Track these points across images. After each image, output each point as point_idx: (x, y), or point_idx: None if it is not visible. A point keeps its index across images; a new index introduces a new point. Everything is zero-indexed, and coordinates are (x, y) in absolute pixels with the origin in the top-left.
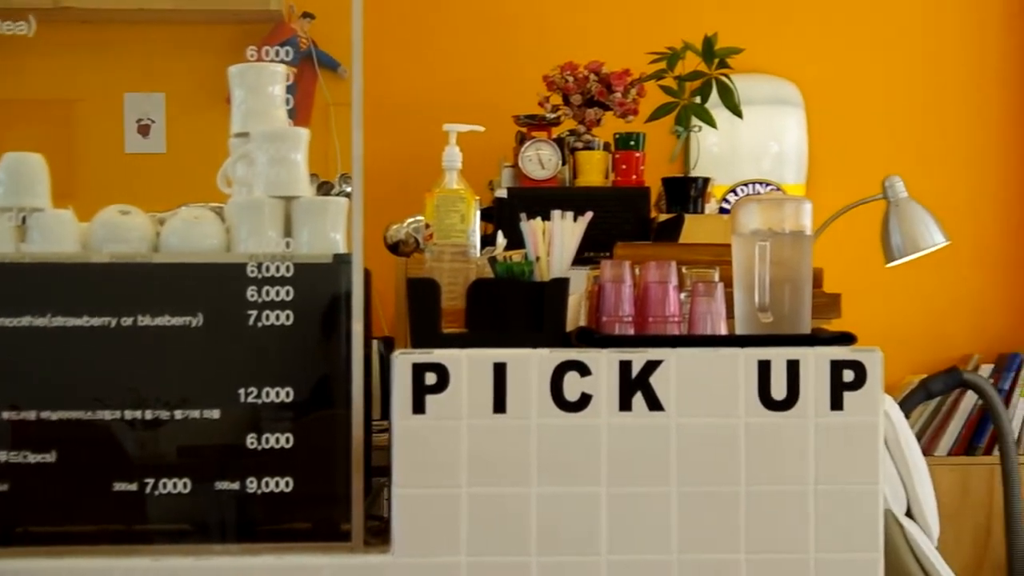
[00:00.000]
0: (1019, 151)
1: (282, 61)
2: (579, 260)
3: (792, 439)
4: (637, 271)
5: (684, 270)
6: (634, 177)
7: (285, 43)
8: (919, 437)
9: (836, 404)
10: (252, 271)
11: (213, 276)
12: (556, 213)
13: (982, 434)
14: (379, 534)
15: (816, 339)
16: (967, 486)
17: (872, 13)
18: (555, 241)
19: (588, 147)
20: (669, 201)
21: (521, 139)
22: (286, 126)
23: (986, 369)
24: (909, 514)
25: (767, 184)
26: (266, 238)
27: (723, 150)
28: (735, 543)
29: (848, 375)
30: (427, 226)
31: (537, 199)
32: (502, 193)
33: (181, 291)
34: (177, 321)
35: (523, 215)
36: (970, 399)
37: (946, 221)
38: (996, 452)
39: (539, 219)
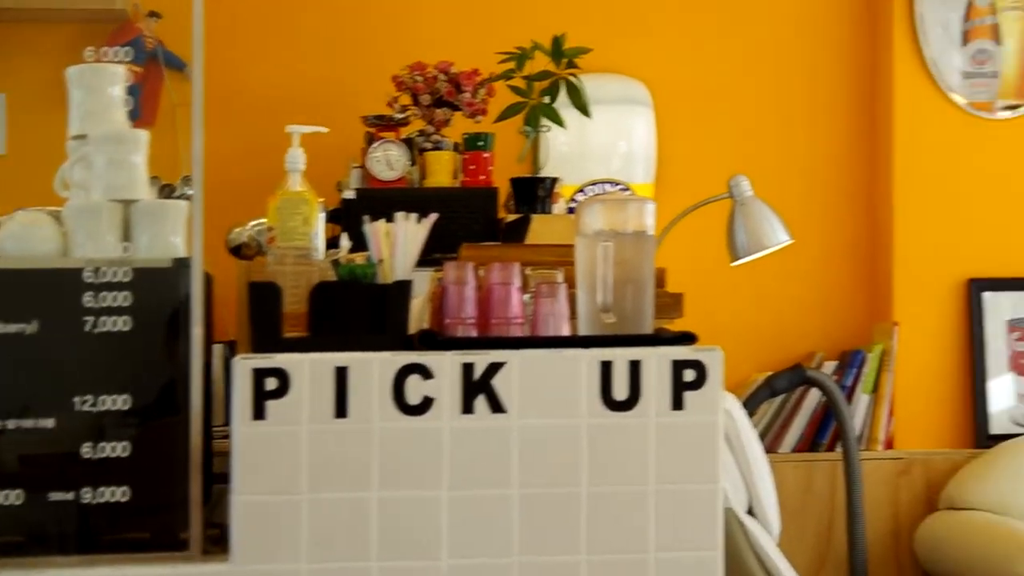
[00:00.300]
0: (861, 150)
1: (121, 61)
2: (428, 261)
3: (633, 439)
4: (481, 272)
5: (528, 271)
6: (483, 177)
7: (130, 43)
8: (764, 434)
9: (677, 404)
10: (89, 276)
11: (49, 282)
12: (400, 215)
13: (825, 431)
14: (220, 542)
15: (658, 339)
16: (811, 483)
17: (719, 14)
18: (398, 243)
19: (437, 147)
20: (517, 201)
21: (370, 140)
22: (125, 128)
23: (830, 366)
24: (751, 512)
25: (616, 183)
26: (104, 242)
27: (572, 150)
28: (576, 544)
29: (689, 375)
30: (270, 229)
31: (385, 200)
32: (350, 194)
33: (15, 297)
34: (11, 328)
35: (366, 217)
36: (814, 396)
37: (791, 220)
38: (839, 449)
39: (383, 221)
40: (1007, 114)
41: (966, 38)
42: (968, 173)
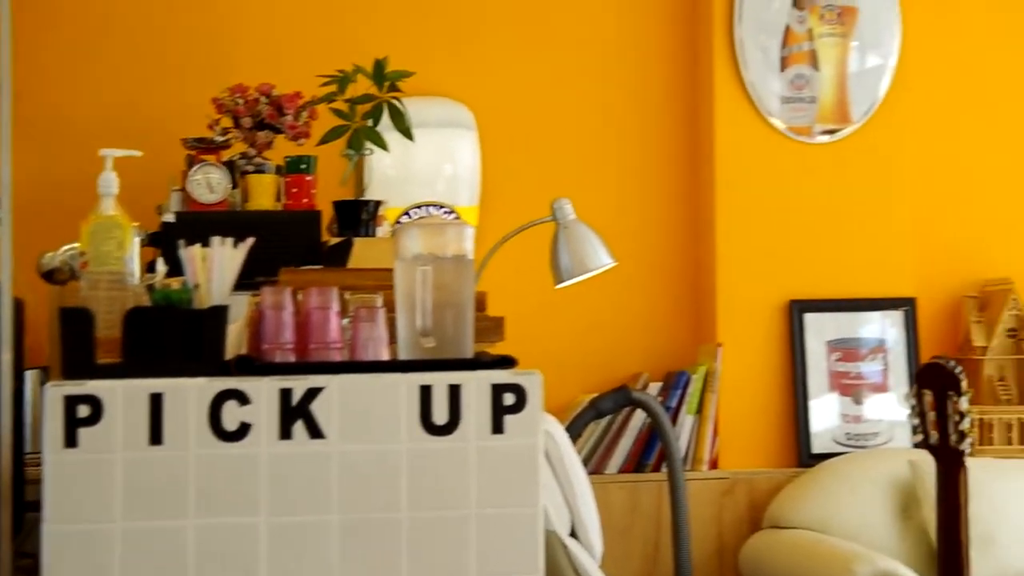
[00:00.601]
0: (683, 174)
1: None
2: (250, 286)
3: (454, 464)
4: (300, 297)
5: (347, 295)
6: (305, 201)
7: None
8: (590, 456)
9: (497, 427)
10: None
11: None
12: (216, 240)
13: (651, 451)
14: (33, 572)
15: (478, 363)
16: (637, 503)
17: (542, 37)
18: (214, 268)
19: (259, 170)
20: (340, 225)
21: (190, 163)
22: None
23: (655, 387)
24: (574, 534)
25: (441, 206)
26: None
27: (397, 172)
28: (397, 570)
29: (509, 398)
30: (82, 254)
31: (206, 223)
32: (170, 218)
33: None
34: None
35: (182, 242)
36: (639, 417)
37: (615, 242)
38: (665, 469)
39: (198, 246)
40: (825, 138)
41: (784, 64)
42: (788, 196)
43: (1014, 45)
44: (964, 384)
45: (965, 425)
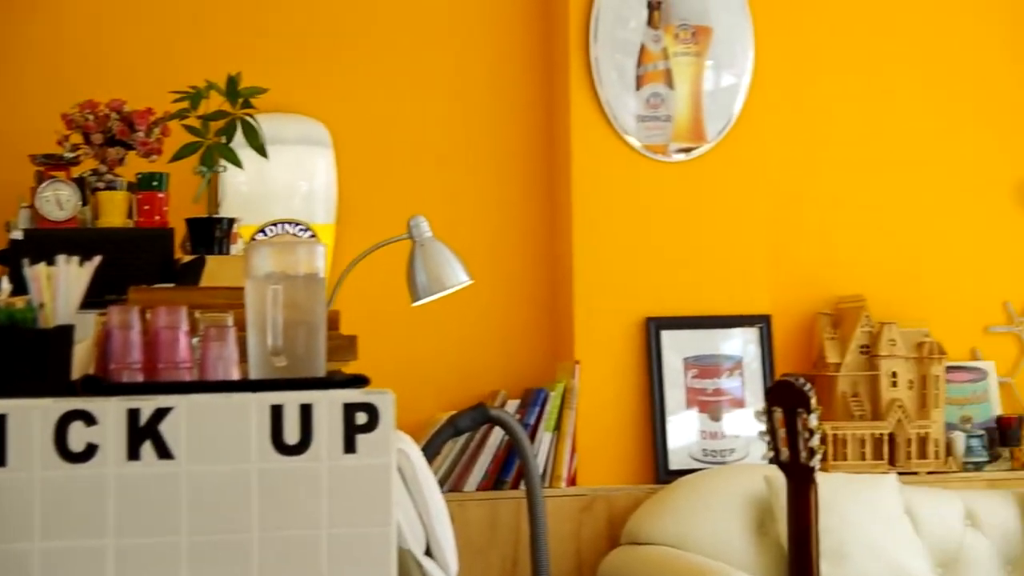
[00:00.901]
0: (540, 191)
1: None
2: (101, 304)
3: (305, 484)
4: (149, 316)
5: (197, 314)
6: (157, 218)
7: None
8: (448, 473)
9: (349, 447)
10: None
11: None
12: (61, 258)
13: (509, 469)
14: None
15: (330, 382)
16: (495, 520)
17: (398, 54)
18: (60, 287)
19: (110, 187)
20: (193, 242)
21: (39, 179)
22: None
23: (513, 405)
24: (429, 553)
25: (297, 224)
26: None
27: (253, 189)
28: None
29: (361, 418)
30: None
31: (56, 241)
32: (17, 235)
33: None
34: None
35: (26, 261)
36: (497, 434)
37: (472, 260)
38: (523, 486)
39: (43, 264)
40: (681, 156)
41: (640, 82)
42: (645, 214)
43: (864, 65)
44: (813, 401)
45: (815, 442)
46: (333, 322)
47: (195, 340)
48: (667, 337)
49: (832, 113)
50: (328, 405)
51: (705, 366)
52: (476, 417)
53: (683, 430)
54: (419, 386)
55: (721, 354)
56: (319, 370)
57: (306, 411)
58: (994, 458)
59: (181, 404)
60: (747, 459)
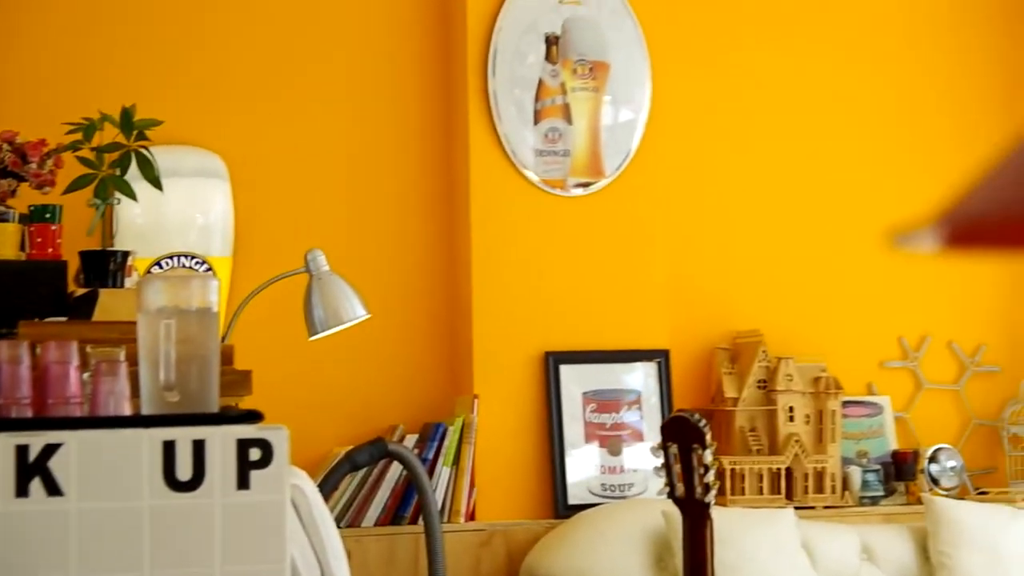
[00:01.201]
0: (439, 225)
1: None
2: None
3: (198, 521)
4: (39, 350)
5: (89, 349)
6: (50, 250)
7: None
8: (346, 508)
9: (243, 483)
10: None
11: None
12: None
13: (408, 504)
14: None
15: (223, 418)
16: (393, 555)
17: (294, 86)
18: None
19: (2, 219)
20: (87, 275)
21: None
22: None
23: (411, 439)
24: None
25: (192, 257)
26: None
27: (148, 222)
28: None
29: (255, 453)
30: None
31: None
32: None
33: None
34: None
35: None
36: (396, 469)
37: (371, 294)
38: (422, 521)
39: None
40: (579, 191)
41: (538, 117)
42: (544, 249)
43: (761, 102)
44: (708, 437)
45: (710, 477)
46: (227, 357)
47: (86, 375)
48: (566, 371)
49: (729, 149)
50: (221, 441)
51: (604, 400)
52: (374, 452)
53: (582, 465)
54: (317, 421)
55: (620, 388)
56: (212, 405)
57: (199, 447)
58: (890, 492)
59: (71, 440)
60: (646, 494)
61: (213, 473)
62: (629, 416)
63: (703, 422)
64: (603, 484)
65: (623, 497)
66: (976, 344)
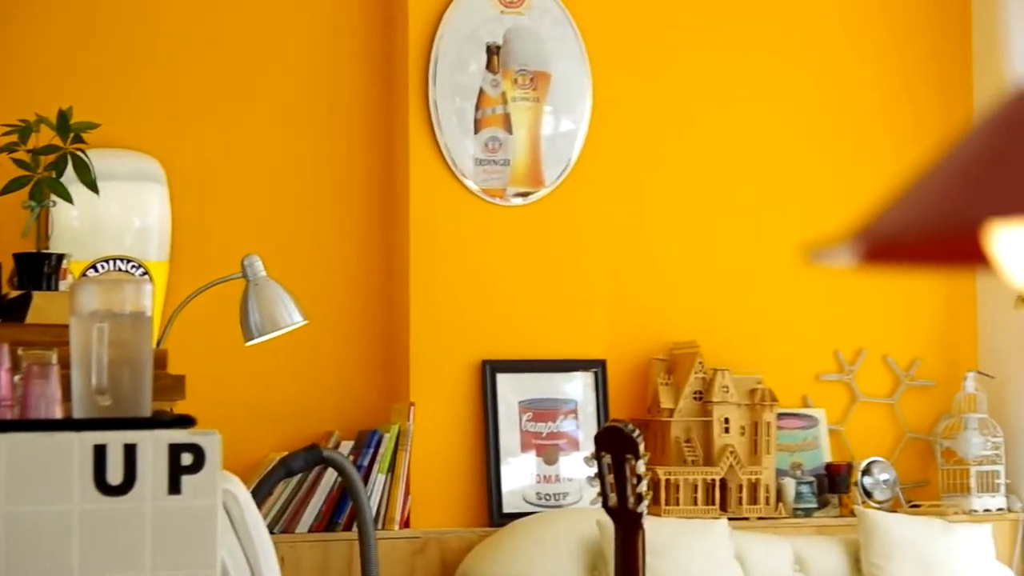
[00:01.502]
0: (378, 233)
1: None
2: None
3: (129, 525)
4: None
5: (20, 351)
6: None
7: None
8: (280, 514)
9: (174, 488)
10: None
11: None
12: None
13: (342, 510)
14: None
15: (155, 422)
16: (327, 562)
17: (234, 89)
18: None
19: None
20: (21, 278)
21: None
22: None
23: (347, 446)
24: None
25: (129, 260)
26: None
27: (84, 225)
28: None
29: (187, 458)
30: None
31: None
32: None
33: None
34: None
35: None
36: (331, 476)
37: (309, 300)
38: (356, 528)
39: None
40: (519, 201)
41: (478, 126)
42: (482, 258)
43: (701, 114)
44: (641, 447)
45: (642, 487)
46: (161, 361)
47: (17, 378)
48: (503, 380)
49: (668, 161)
50: (153, 445)
51: (541, 410)
52: (309, 458)
53: (518, 473)
54: (252, 426)
55: (557, 398)
56: (144, 410)
57: (130, 451)
58: (823, 504)
59: (1, 443)
60: (581, 503)
61: (144, 478)
62: (566, 425)
63: (636, 432)
64: (539, 493)
65: (558, 506)
66: (911, 358)
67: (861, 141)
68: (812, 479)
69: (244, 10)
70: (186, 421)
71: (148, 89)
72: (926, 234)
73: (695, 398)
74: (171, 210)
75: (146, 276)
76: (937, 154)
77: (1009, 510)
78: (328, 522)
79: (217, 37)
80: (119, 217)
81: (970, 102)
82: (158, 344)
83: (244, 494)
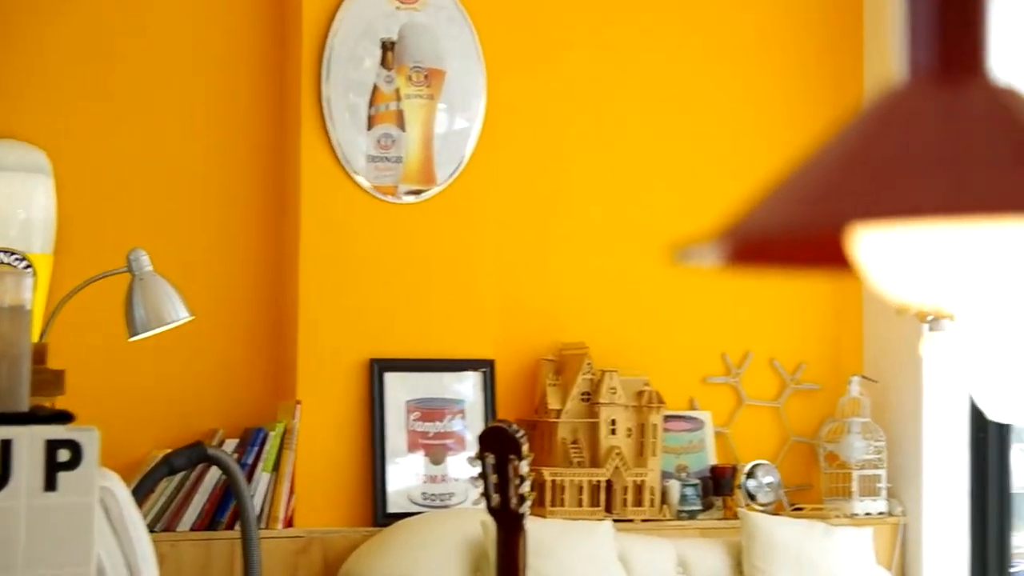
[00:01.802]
0: (268, 229)
1: None
2: None
3: (3, 522)
4: None
5: None
6: None
7: None
8: (162, 512)
9: (50, 485)
10: None
11: None
12: None
13: (225, 509)
14: None
15: (32, 417)
16: (209, 560)
17: (122, 81)
18: None
19: None
20: None
21: None
22: None
23: (231, 444)
24: None
25: (12, 253)
26: None
27: None
28: None
29: (64, 455)
30: None
31: None
32: None
33: None
34: None
35: None
36: (214, 474)
37: (194, 296)
38: (239, 527)
39: None
40: (411, 199)
41: (371, 123)
42: (373, 255)
43: (595, 114)
44: (525, 448)
45: (525, 489)
46: (40, 355)
47: None
48: (391, 379)
49: (560, 162)
50: (29, 441)
51: (428, 409)
52: (192, 456)
53: (404, 473)
54: (135, 423)
55: (445, 397)
56: (21, 404)
57: (5, 447)
58: (707, 507)
59: None
60: (467, 503)
61: (20, 474)
62: (453, 425)
63: (520, 432)
64: (424, 493)
65: (445, 506)
66: (797, 362)
67: (755, 144)
68: (697, 481)
69: (136, 1)
70: (64, 417)
71: (35, 80)
72: (791, 235)
73: (583, 399)
74: (57, 202)
75: (29, 269)
76: (807, 152)
77: (890, 514)
78: (211, 521)
79: (108, 28)
80: (3, 208)
81: (860, 100)
82: (40, 338)
83: (123, 491)
